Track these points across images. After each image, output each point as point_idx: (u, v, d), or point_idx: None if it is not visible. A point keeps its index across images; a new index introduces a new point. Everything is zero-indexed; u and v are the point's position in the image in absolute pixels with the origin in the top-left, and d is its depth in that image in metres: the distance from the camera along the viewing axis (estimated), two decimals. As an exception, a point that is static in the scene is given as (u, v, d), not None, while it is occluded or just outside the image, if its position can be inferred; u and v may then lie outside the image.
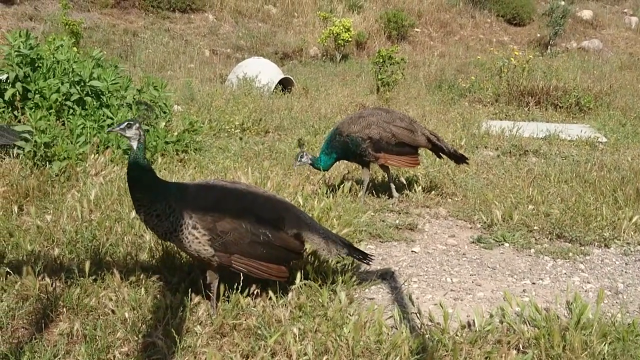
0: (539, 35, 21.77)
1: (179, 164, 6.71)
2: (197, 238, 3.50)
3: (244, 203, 3.66)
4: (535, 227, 5.46)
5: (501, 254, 5.03)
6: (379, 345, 3.31)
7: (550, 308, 3.85)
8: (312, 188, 6.01)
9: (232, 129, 8.96)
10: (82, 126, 6.63)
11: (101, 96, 7.20)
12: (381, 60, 12.47)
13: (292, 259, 3.79)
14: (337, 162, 6.13)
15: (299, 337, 3.33)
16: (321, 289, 3.85)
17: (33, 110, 6.61)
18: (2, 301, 3.64)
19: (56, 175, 5.82)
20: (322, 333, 3.39)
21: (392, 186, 6.19)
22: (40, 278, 3.81)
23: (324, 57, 18.24)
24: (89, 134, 6.61)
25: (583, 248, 5.11)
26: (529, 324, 3.62)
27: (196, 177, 5.98)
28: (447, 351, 3.32)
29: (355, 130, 5.83)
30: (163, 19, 18.55)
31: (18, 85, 6.75)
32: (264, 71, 12.76)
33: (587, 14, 23.21)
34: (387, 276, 4.47)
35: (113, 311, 3.61)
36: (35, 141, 6.04)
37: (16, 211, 4.97)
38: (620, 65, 17.70)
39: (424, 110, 10.98)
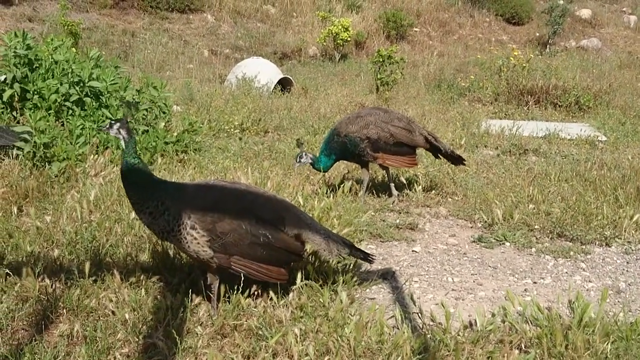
0: (538, 34, 21.76)
1: (179, 164, 6.69)
2: (195, 239, 3.48)
3: (244, 203, 3.63)
4: (536, 226, 5.44)
5: (502, 253, 5.02)
6: (381, 346, 3.30)
7: (552, 307, 3.83)
8: (312, 188, 6.00)
9: (232, 129, 8.94)
10: (81, 127, 6.61)
11: (100, 97, 7.18)
12: (380, 60, 12.46)
13: (293, 261, 3.76)
14: (337, 162, 6.10)
15: (300, 338, 3.31)
16: (322, 289, 3.84)
17: (32, 111, 6.59)
18: (2, 302, 3.62)
19: (55, 176, 5.81)
20: (323, 333, 3.38)
21: (392, 185, 6.18)
22: (40, 279, 3.79)
23: (323, 57, 18.22)
24: (88, 135, 6.59)
25: (584, 247, 5.10)
26: (531, 323, 3.61)
27: (196, 178, 5.97)
28: (449, 351, 3.30)
29: (353, 130, 5.81)
30: (162, 19, 18.53)
31: (16, 86, 6.73)
32: (263, 71, 12.74)
33: (586, 12, 23.21)
34: (388, 276, 4.45)
35: (113, 312, 3.60)
36: (35, 142, 6.02)
37: (15, 212, 4.95)
38: (619, 64, 17.71)
39: (424, 109, 10.96)
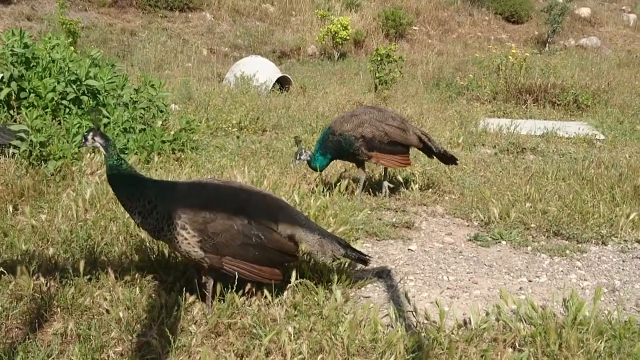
0: (537, 32, 21.76)
1: (175, 163, 6.69)
2: (186, 239, 3.47)
3: (236, 203, 3.59)
4: (532, 225, 5.44)
5: (498, 252, 5.01)
6: (375, 344, 3.30)
7: (546, 306, 3.83)
8: (309, 186, 5.99)
9: (230, 128, 8.94)
10: (78, 125, 6.61)
11: (98, 95, 7.18)
12: (379, 59, 12.46)
13: (286, 262, 3.74)
14: (332, 162, 6.09)
15: (294, 336, 3.31)
16: (317, 287, 3.83)
17: (29, 109, 6.59)
18: (-4, 301, 3.62)
19: (51, 175, 5.81)
20: (317, 332, 3.38)
21: (385, 183, 6.16)
22: (34, 278, 3.79)
23: (321, 56, 18.21)
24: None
25: (580, 245, 5.10)
26: (525, 321, 3.61)
27: (192, 176, 5.97)
28: (442, 349, 3.30)
29: (348, 129, 5.80)
30: (160, 18, 18.52)
31: (13, 84, 6.72)
32: (261, 70, 12.73)
33: (585, 11, 23.20)
34: (383, 274, 4.45)
35: (107, 311, 3.59)
36: (31, 140, 6.02)
37: (11, 211, 4.95)
38: (618, 62, 17.70)
39: (422, 108, 10.96)
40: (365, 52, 18.42)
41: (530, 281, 4.45)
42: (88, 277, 3.86)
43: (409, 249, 5.03)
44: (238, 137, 8.60)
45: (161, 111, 7.56)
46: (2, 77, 6.78)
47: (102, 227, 4.54)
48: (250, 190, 3.85)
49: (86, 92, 7.06)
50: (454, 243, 5.20)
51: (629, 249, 5.07)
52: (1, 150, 6.10)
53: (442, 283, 4.40)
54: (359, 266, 4.49)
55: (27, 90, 6.80)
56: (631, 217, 5.38)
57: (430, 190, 6.40)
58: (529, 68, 13.32)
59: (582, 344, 3.26)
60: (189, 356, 3.26)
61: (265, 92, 12.10)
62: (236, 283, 3.63)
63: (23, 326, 3.49)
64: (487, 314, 3.69)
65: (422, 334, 3.44)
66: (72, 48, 8.15)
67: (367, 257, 3.96)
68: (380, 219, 5.61)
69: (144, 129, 7.09)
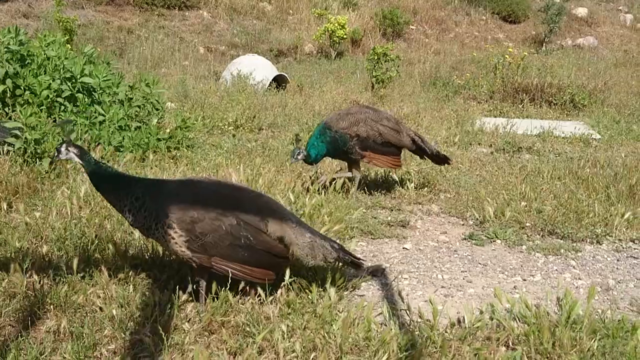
0: (534, 32, 21.77)
1: (171, 161, 6.68)
2: (173, 238, 3.46)
3: (225, 204, 3.55)
4: (527, 224, 5.44)
5: (493, 251, 5.01)
6: (368, 342, 3.29)
7: (540, 304, 3.82)
8: (304, 185, 5.99)
9: (226, 126, 8.93)
10: (73, 123, 6.59)
11: (93, 93, 7.16)
12: (376, 58, 12.46)
13: (278, 263, 3.66)
14: (324, 159, 6.07)
15: (287, 335, 3.30)
16: (311, 286, 3.83)
17: (24, 106, 6.57)
18: (-12, 298, 3.61)
19: (46, 172, 5.80)
20: (310, 330, 3.37)
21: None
22: (27, 275, 3.79)
23: (318, 55, 18.21)
24: (80, 131, 6.57)
25: (575, 244, 5.10)
26: (519, 320, 3.61)
27: (187, 174, 5.96)
28: (436, 348, 3.29)
29: (344, 126, 5.80)
30: (157, 16, 18.49)
31: (8, 81, 6.70)
32: (258, 68, 12.72)
33: (582, 11, 23.22)
34: (377, 273, 4.43)
35: (101, 308, 3.59)
36: (26, 138, 6.00)
37: (5, 208, 4.94)
38: (615, 62, 17.73)
39: (418, 107, 10.96)
40: (362, 51, 18.41)
41: (524, 280, 4.45)
42: (81, 274, 3.85)
43: (403, 248, 5.03)
44: (234, 136, 8.59)
45: (156, 109, 7.55)
46: (-3, 75, 6.76)
47: (96, 225, 4.53)
48: (242, 190, 3.81)
49: (81, 89, 7.04)
50: (448, 242, 5.20)
51: (623, 248, 5.08)
52: (-4, 148, 6.08)
53: (437, 282, 4.40)
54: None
55: (22, 88, 6.78)
56: (626, 216, 5.39)
57: (426, 189, 6.39)
58: (526, 67, 13.33)
59: (575, 343, 3.26)
60: (182, 354, 3.25)
61: (262, 90, 12.09)
62: (230, 281, 3.63)
63: (16, 324, 3.48)
64: (481, 312, 3.68)
65: (416, 333, 3.44)
66: (68, 46, 8.12)
67: (361, 261, 3.90)
68: (375, 218, 5.60)
69: (140, 127, 7.08)
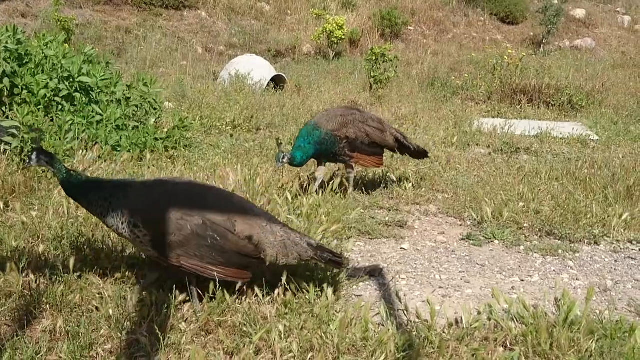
0: (532, 33, 21.78)
1: (168, 160, 6.66)
2: (138, 237, 3.48)
3: (192, 204, 3.54)
4: (525, 224, 5.44)
5: (490, 251, 5.01)
6: (365, 343, 3.28)
7: (538, 305, 3.82)
8: (302, 184, 5.98)
9: (223, 126, 8.92)
10: (70, 122, 6.58)
11: (90, 92, 7.15)
12: (374, 58, 12.46)
13: (250, 263, 3.61)
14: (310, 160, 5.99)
15: (284, 335, 3.29)
16: (308, 285, 3.81)
17: (21, 106, 6.55)
18: (-16, 298, 3.59)
19: (43, 171, 5.77)
20: (307, 330, 3.35)
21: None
22: (24, 275, 3.77)
23: (317, 55, 18.20)
24: (77, 130, 6.55)
25: (573, 245, 5.09)
26: (517, 321, 3.60)
27: (185, 174, 5.94)
28: (433, 348, 3.28)
29: (333, 128, 5.73)
30: (155, 16, 18.46)
31: (6, 80, 6.68)
32: (256, 68, 12.71)
33: (580, 12, 23.24)
34: (375, 273, 4.43)
35: (97, 308, 3.57)
36: (23, 137, 5.98)
37: (2, 207, 4.93)
38: (612, 63, 17.74)
39: (417, 107, 10.96)
40: (360, 52, 18.41)
41: (522, 280, 4.45)
42: (78, 274, 3.83)
43: (401, 248, 5.02)
44: (232, 136, 8.58)
45: (154, 108, 7.53)
46: (-6, 74, 6.74)
47: (93, 224, 4.51)
48: (211, 190, 3.78)
49: (79, 89, 7.02)
50: (446, 242, 5.20)
51: (621, 249, 5.08)
52: (-7, 147, 6.06)
53: (434, 282, 4.39)
54: (351, 264, 4.49)
55: (20, 87, 6.76)
56: (624, 217, 5.38)
57: (424, 189, 6.39)
58: (524, 69, 13.34)
59: (573, 344, 3.25)
60: (179, 354, 3.24)
61: (260, 90, 12.08)
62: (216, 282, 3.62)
63: (12, 323, 3.47)
64: (479, 313, 3.68)
65: (414, 333, 3.43)
66: (66, 45, 8.10)
67: (340, 259, 3.78)
68: (373, 218, 5.59)
69: (137, 127, 7.07)
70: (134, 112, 7.36)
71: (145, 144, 6.80)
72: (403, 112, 10.53)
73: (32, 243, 4.34)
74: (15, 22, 15.34)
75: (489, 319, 3.62)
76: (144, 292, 3.72)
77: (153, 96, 7.52)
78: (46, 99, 6.78)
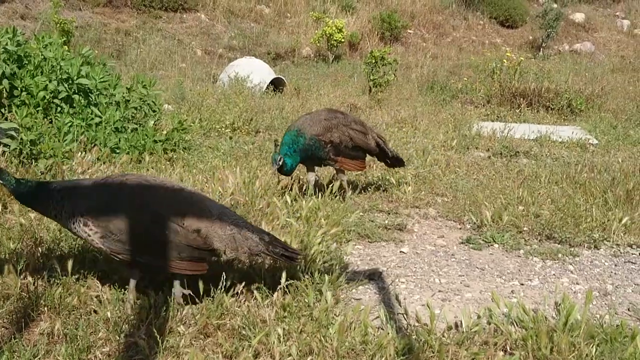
0: (531, 37, 21.81)
1: (167, 163, 6.65)
2: (89, 235, 3.51)
3: (140, 199, 3.58)
4: (524, 228, 5.43)
5: (490, 255, 4.99)
6: (365, 346, 3.27)
7: (538, 309, 3.81)
8: (301, 187, 5.96)
9: (223, 129, 8.91)
10: (69, 124, 6.57)
11: (89, 94, 7.13)
12: (373, 61, 12.46)
13: (203, 256, 3.59)
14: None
15: (283, 338, 3.28)
16: (307, 289, 3.80)
17: (20, 107, 6.53)
18: (-18, 300, 3.58)
19: (42, 173, 5.76)
20: (307, 333, 3.34)
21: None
22: (22, 277, 3.75)
23: (316, 58, 18.21)
24: (76, 132, 6.54)
25: (572, 249, 5.08)
26: (517, 325, 3.59)
27: (184, 176, 5.92)
28: (433, 352, 3.27)
29: (318, 132, 5.66)
30: (155, 18, 18.46)
31: (5, 82, 6.67)
32: (255, 71, 12.71)
33: (579, 16, 23.27)
34: (374, 276, 4.42)
35: (95, 310, 3.56)
36: (21, 139, 5.97)
37: (0, 209, 4.90)
38: (612, 67, 17.76)
39: (416, 111, 10.96)
40: (360, 55, 18.42)
41: (522, 284, 4.43)
42: (76, 276, 3.81)
43: (401, 251, 5.01)
44: (231, 138, 8.57)
45: (153, 111, 7.52)
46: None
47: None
48: (159, 185, 3.76)
49: (78, 91, 7.01)
50: (446, 246, 5.18)
51: (621, 253, 5.06)
52: (-9, 148, 6.05)
53: (434, 286, 4.37)
54: (350, 267, 4.48)
55: (19, 89, 6.74)
56: (623, 221, 5.37)
57: (423, 192, 6.37)
58: (523, 72, 13.35)
59: (573, 348, 3.24)
60: (177, 357, 3.22)
61: (259, 93, 12.08)
62: (223, 283, 3.60)
63: (9, 325, 3.45)
64: (479, 317, 3.67)
65: (413, 337, 3.41)
66: (65, 47, 8.09)
67: (295, 254, 3.69)
68: (372, 221, 5.58)
69: (136, 129, 7.06)
70: (133, 114, 7.34)
71: (144, 146, 6.78)
72: (402, 115, 10.52)
73: (30, 245, 4.31)
74: (15, 24, 15.33)
75: (489, 323, 3.61)
76: (141, 295, 3.70)
77: (152, 98, 7.51)
78: (45, 101, 6.76)
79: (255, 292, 3.68)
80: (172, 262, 3.54)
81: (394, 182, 6.48)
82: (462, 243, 5.24)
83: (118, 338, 3.32)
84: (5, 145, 6.00)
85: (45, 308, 3.57)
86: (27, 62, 6.95)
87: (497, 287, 4.36)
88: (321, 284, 3.91)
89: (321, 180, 6.57)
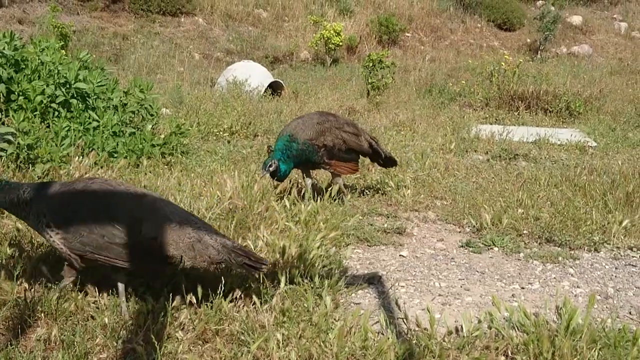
0: (529, 40, 21.82)
1: (165, 167, 6.62)
2: (51, 237, 3.54)
3: (98, 204, 3.60)
4: (524, 231, 5.40)
5: (490, 258, 4.97)
6: (365, 352, 3.24)
7: (539, 313, 3.79)
8: (300, 191, 5.94)
9: (221, 133, 8.88)
10: (67, 128, 6.53)
11: (87, 98, 7.10)
12: (371, 64, 12.44)
13: (163, 261, 3.56)
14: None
15: (282, 343, 3.25)
16: (306, 293, 3.77)
17: (17, 112, 6.50)
18: (-22, 306, 3.54)
19: (39, 178, 5.72)
20: (306, 339, 3.31)
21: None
22: (18, 282, 3.72)
23: (314, 61, 18.18)
24: (74, 137, 6.51)
25: (573, 252, 5.06)
26: (518, 329, 3.56)
27: (182, 180, 5.88)
28: (433, 357, 3.24)
29: (311, 137, 5.61)
30: (153, 22, 18.44)
31: (2, 86, 6.64)
32: (253, 75, 12.68)
33: (577, 19, 23.28)
34: (374, 280, 4.40)
35: (92, 316, 3.53)
36: (18, 143, 5.94)
37: (-4, 214, 4.86)
38: (610, 70, 17.75)
39: (414, 114, 10.94)
40: (358, 58, 18.40)
41: (522, 288, 4.41)
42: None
43: (400, 255, 4.98)
44: (229, 142, 8.54)
45: (151, 115, 7.49)
46: (-10, 80, 6.69)
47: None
48: (121, 190, 3.75)
49: (75, 95, 6.98)
50: (445, 249, 5.16)
51: (621, 255, 5.04)
52: (-12, 153, 6.01)
53: (434, 290, 4.35)
54: (350, 271, 4.45)
55: (16, 93, 6.71)
56: (624, 223, 5.35)
57: (422, 195, 6.35)
58: (521, 75, 13.33)
59: (575, 353, 3.21)
60: (176, 363, 3.19)
61: (257, 97, 12.05)
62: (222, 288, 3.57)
63: (6, 332, 3.41)
64: (479, 321, 3.64)
65: (413, 342, 3.38)
66: (63, 52, 8.06)
67: (259, 264, 3.54)
68: (371, 225, 5.55)
69: (134, 133, 7.03)
70: (131, 119, 7.32)
71: (142, 150, 6.75)
72: (401, 118, 10.50)
73: (27, 250, 4.28)
74: (12, 28, 15.24)
75: (490, 328, 3.58)
76: (139, 300, 3.67)
77: (150, 102, 7.48)
78: (42, 105, 6.72)
79: (254, 296, 3.65)
80: (136, 265, 3.56)
81: (393, 186, 6.45)
82: (462, 246, 5.21)
83: (115, 344, 3.29)
84: (2, 149, 5.97)
85: (42, 314, 3.54)
86: (24, 67, 6.92)
87: (498, 291, 4.33)
88: (320, 288, 3.89)
89: (320, 184, 6.54)
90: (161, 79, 14.38)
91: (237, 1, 19.85)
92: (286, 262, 4.13)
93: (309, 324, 3.47)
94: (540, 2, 24.00)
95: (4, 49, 6.78)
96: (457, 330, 3.59)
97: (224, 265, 3.63)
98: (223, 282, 3.59)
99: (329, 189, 5.66)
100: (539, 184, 6.61)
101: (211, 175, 6.10)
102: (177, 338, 3.36)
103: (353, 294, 4.16)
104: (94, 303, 3.63)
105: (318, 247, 4.32)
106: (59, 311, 3.54)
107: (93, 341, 3.30)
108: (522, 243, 5.24)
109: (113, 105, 7.21)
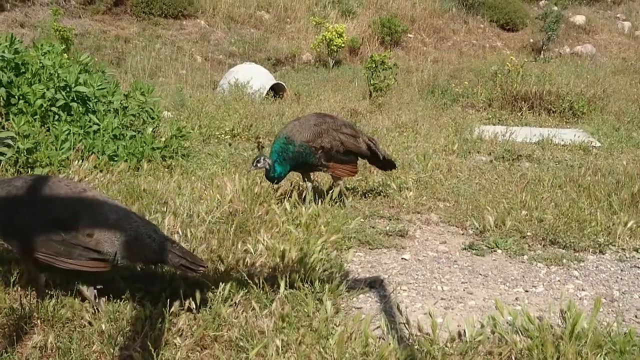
0: (532, 40, 21.74)
1: (165, 170, 6.58)
2: None
3: (37, 201, 3.59)
4: (528, 233, 5.34)
5: (493, 261, 4.91)
6: (365, 357, 3.18)
7: (543, 317, 3.71)
8: (301, 194, 5.89)
9: (222, 135, 8.84)
10: (67, 132, 6.50)
11: (87, 102, 7.07)
12: (374, 66, 12.40)
13: (104, 258, 3.54)
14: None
15: (282, 349, 3.19)
16: (307, 298, 3.72)
17: (17, 115, 6.47)
18: (-27, 313, 3.50)
19: (38, 182, 5.68)
20: (306, 345, 3.26)
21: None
22: (14, 289, 3.68)
23: (316, 63, 18.15)
24: (74, 140, 6.47)
25: (577, 254, 4.99)
26: (522, 334, 3.49)
27: (182, 183, 5.84)
28: (436, 363, 3.19)
29: (308, 139, 5.56)
30: (155, 25, 18.43)
31: (2, 90, 6.61)
32: (255, 77, 12.65)
33: (580, 19, 23.20)
34: (375, 284, 4.34)
35: (90, 323, 3.47)
36: (18, 147, 5.91)
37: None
38: (613, 70, 17.65)
39: (417, 115, 10.89)
40: (360, 60, 18.36)
41: (526, 291, 4.34)
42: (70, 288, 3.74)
43: (402, 258, 4.92)
44: (230, 145, 8.50)
45: (152, 118, 7.46)
46: (-10, 84, 6.66)
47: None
48: (62, 187, 3.73)
49: (76, 98, 6.94)
50: (448, 252, 5.10)
51: (627, 257, 4.97)
52: (-13, 158, 5.98)
53: (436, 293, 4.29)
54: (351, 275, 4.40)
55: (17, 97, 6.68)
56: (629, 225, 5.28)
57: (425, 197, 6.29)
58: (524, 75, 13.25)
59: (580, 358, 3.15)
60: (173, 370, 3.14)
61: (259, 99, 12.02)
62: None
63: (1, 339, 3.37)
64: (482, 325, 3.57)
65: (415, 347, 3.33)
66: (65, 55, 8.03)
67: (197, 266, 3.53)
68: (373, 227, 5.50)
69: (134, 136, 6.99)
70: (132, 122, 7.28)
71: (143, 154, 6.72)
72: (403, 119, 10.45)
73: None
74: (14, 32, 15.26)
75: (493, 332, 3.51)
76: (137, 306, 3.62)
77: (151, 105, 7.45)
78: (43, 109, 6.70)
79: (253, 302, 3.60)
80: (73, 262, 3.52)
81: (395, 188, 6.39)
82: (465, 249, 5.15)
83: (112, 351, 3.24)
84: (1, 153, 5.94)
85: (38, 320, 3.50)
86: (24, 70, 6.89)
87: (501, 295, 4.27)
88: (321, 293, 3.84)
89: (321, 187, 6.49)
90: (163, 81, 14.36)
91: (239, 3, 19.83)
92: (286, 266, 4.08)
93: (309, 329, 3.42)
94: (543, 2, 23.93)
95: (4, 52, 6.75)
96: (459, 335, 3.52)
97: (159, 265, 3.68)
98: (222, 286, 3.53)
99: (330, 192, 5.60)
100: (542, 185, 6.54)
101: (212, 179, 6.06)
102: (175, 344, 3.31)
103: (354, 298, 4.11)
104: (91, 309, 3.58)
105: (319, 251, 4.26)
106: (56, 318, 3.50)
107: (90, 348, 3.26)
108: (525, 245, 5.18)
109: (114, 109, 7.18)
